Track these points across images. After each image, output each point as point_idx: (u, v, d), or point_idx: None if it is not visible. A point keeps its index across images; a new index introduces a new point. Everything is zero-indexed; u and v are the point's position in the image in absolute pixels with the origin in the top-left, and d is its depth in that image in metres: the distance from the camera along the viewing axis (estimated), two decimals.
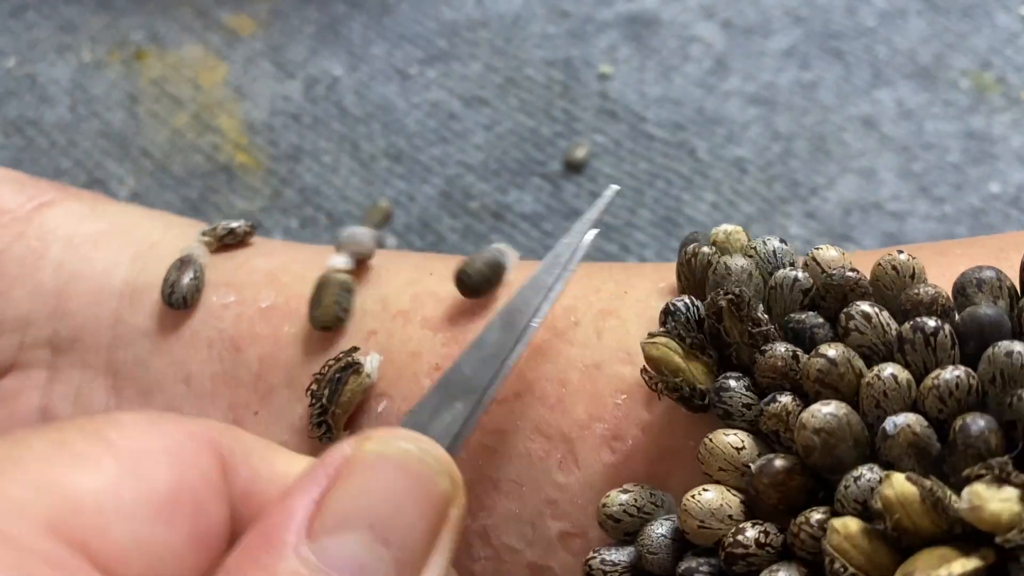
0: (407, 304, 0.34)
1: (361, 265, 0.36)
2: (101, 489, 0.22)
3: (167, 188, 0.60)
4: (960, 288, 0.28)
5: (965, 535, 0.24)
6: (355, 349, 0.33)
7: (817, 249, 0.30)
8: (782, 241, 0.31)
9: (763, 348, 0.28)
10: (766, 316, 0.29)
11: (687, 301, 0.30)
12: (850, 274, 0.29)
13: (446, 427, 0.27)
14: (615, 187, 0.32)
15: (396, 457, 0.24)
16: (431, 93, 0.63)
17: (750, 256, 0.31)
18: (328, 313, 0.34)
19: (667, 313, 0.30)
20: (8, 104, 0.63)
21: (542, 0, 0.67)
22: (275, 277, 0.36)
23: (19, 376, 0.36)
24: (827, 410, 0.26)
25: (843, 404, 0.27)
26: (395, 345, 0.34)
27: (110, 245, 0.37)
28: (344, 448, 0.24)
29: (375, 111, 0.62)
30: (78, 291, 0.36)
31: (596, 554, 0.29)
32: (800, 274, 0.29)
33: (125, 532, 0.22)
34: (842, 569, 0.25)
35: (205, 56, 0.65)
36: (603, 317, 0.32)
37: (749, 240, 0.32)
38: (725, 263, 0.30)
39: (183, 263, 0.36)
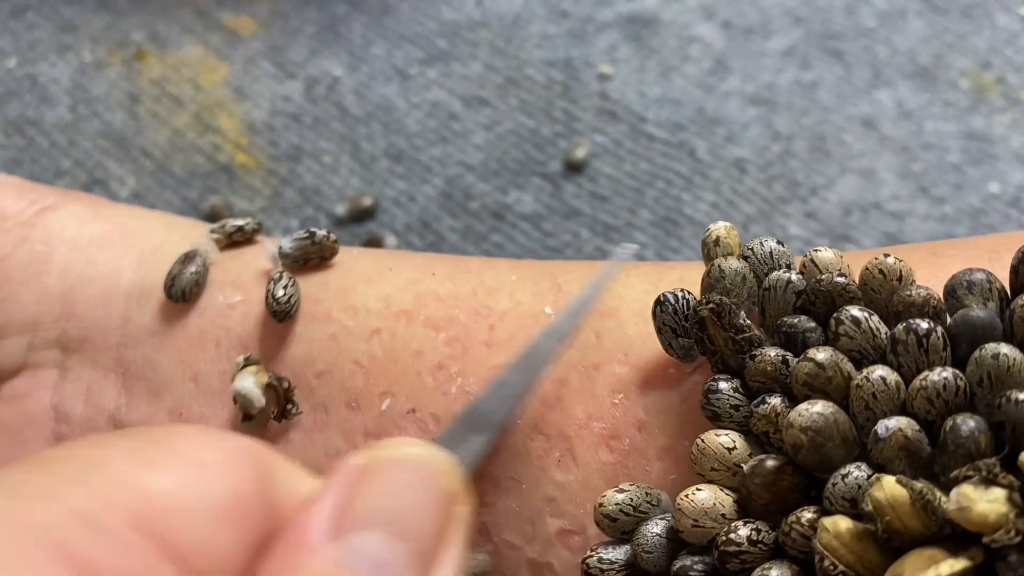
0: (410, 303, 0.35)
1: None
2: (175, 491, 0.23)
3: (167, 188, 0.60)
4: (950, 290, 0.28)
5: (954, 535, 0.25)
6: None
7: (816, 251, 0.30)
8: (779, 242, 0.31)
9: (753, 353, 0.29)
10: (748, 322, 0.29)
11: (677, 293, 0.30)
12: (838, 279, 0.29)
13: (465, 455, 0.29)
14: (632, 247, 0.34)
15: (405, 460, 0.25)
16: (431, 93, 0.63)
17: (746, 257, 0.31)
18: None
19: (658, 304, 0.30)
20: (8, 104, 0.63)
21: (542, 0, 0.67)
22: None
23: (29, 376, 0.36)
24: (814, 409, 0.27)
25: (830, 403, 0.27)
26: (398, 344, 0.34)
27: (114, 247, 0.37)
28: (357, 458, 0.25)
29: (375, 111, 0.62)
30: (85, 294, 0.37)
31: (593, 552, 0.29)
32: (793, 276, 0.30)
33: (195, 531, 0.23)
34: (832, 567, 0.25)
35: (205, 56, 0.65)
36: (601, 319, 0.33)
37: (739, 241, 0.32)
38: (719, 265, 0.30)
39: (187, 257, 0.36)
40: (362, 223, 0.58)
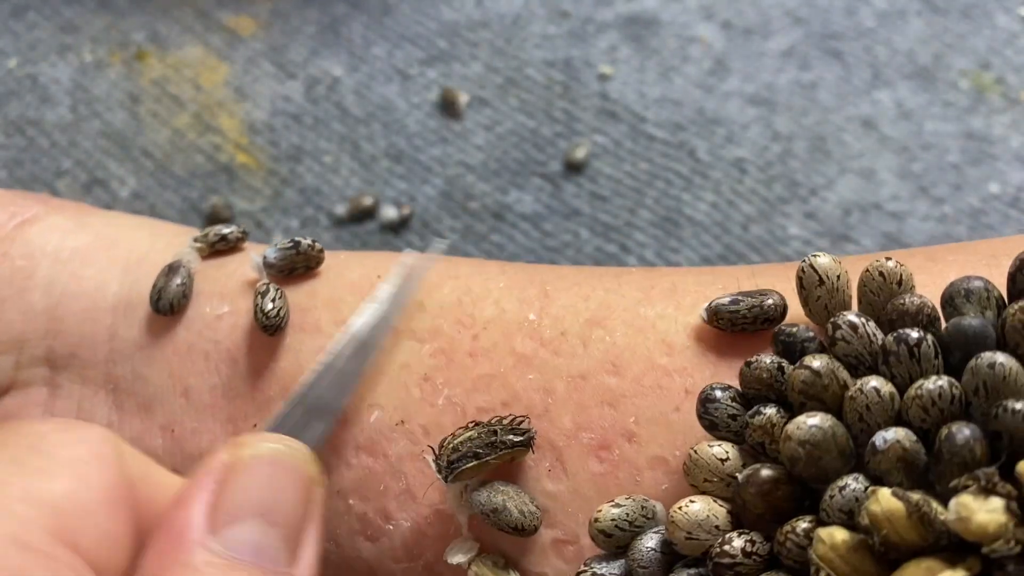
0: None
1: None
2: (69, 494, 0.26)
3: (168, 188, 0.60)
4: (948, 298, 0.28)
5: (951, 545, 0.25)
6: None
7: (814, 256, 0.30)
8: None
9: (749, 360, 0.29)
10: None
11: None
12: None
13: (309, 441, 0.31)
14: (445, 242, 0.35)
15: (269, 455, 0.29)
16: (431, 93, 0.63)
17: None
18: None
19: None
20: (9, 104, 0.63)
21: (542, 0, 0.67)
22: None
23: (19, 395, 0.36)
24: (812, 422, 0.27)
25: (828, 416, 0.27)
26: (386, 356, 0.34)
27: (99, 260, 0.37)
28: (221, 456, 0.28)
29: (375, 111, 0.62)
30: (71, 309, 0.36)
31: (587, 567, 0.29)
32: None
33: (95, 527, 0.26)
34: None
35: (206, 56, 0.65)
36: (590, 327, 0.33)
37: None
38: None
39: (171, 269, 0.36)
40: (362, 223, 0.59)
